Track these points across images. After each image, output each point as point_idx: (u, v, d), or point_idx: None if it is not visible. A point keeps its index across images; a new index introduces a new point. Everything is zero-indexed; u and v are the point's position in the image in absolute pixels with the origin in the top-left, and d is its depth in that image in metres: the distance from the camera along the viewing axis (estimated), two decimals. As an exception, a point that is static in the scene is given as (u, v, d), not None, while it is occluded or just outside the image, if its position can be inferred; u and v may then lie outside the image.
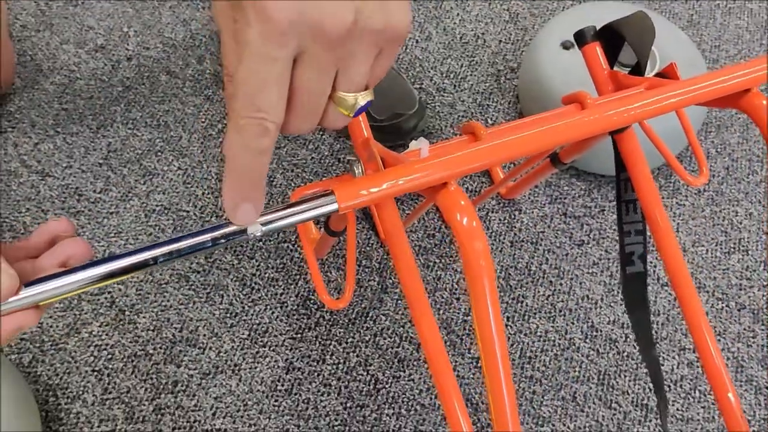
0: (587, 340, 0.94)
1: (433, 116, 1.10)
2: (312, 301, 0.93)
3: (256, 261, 0.95)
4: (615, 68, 0.64)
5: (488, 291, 0.44)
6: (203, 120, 1.07)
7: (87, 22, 1.15)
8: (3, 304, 0.33)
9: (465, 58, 1.18)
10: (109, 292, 0.91)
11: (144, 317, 0.90)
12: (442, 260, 0.98)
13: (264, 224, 0.38)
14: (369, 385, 0.88)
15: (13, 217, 0.95)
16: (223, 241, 0.37)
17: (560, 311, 0.96)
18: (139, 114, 1.06)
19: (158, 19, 1.17)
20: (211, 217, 0.98)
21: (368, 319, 0.93)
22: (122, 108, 1.07)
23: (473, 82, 1.16)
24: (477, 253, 0.43)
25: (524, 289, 0.97)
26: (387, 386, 0.88)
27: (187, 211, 0.98)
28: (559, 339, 0.94)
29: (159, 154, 1.03)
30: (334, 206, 0.39)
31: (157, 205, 0.98)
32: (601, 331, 0.95)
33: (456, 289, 0.96)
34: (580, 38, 0.63)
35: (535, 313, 0.96)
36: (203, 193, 1.00)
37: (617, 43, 0.63)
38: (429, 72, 1.16)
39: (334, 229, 0.76)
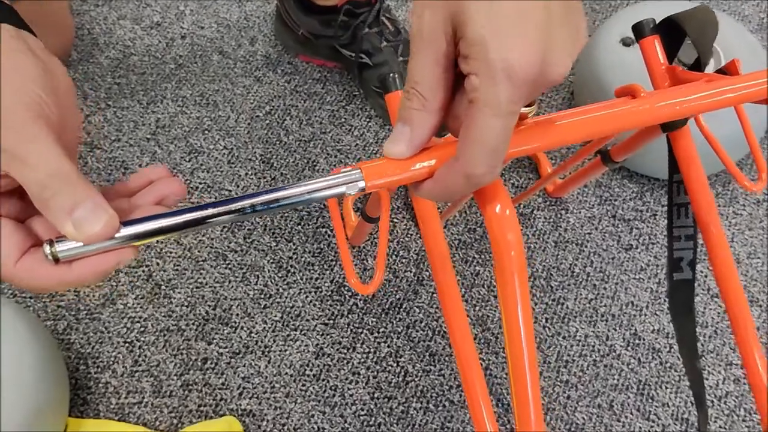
0: (629, 348, 0.91)
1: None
2: (346, 288, 0.92)
3: (294, 244, 0.94)
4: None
5: (518, 285, 0.41)
6: (252, 101, 1.07)
7: (144, -1, 1.16)
8: (105, 242, 0.33)
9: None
10: (147, 266, 0.92)
11: (179, 293, 0.90)
12: (481, 256, 0.95)
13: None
14: (398, 377, 0.87)
15: (60, 186, 0.97)
16: (318, 195, 0.37)
17: (602, 316, 0.93)
18: (189, 92, 1.07)
19: (214, -2, 1.17)
20: (252, 198, 0.98)
21: (402, 310, 0.91)
22: (173, 85, 1.07)
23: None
24: (508, 243, 0.41)
25: (566, 290, 0.94)
26: (416, 379, 0.87)
27: (230, 191, 0.98)
28: (599, 345, 0.91)
29: (206, 132, 1.03)
30: (362, 184, 0.38)
31: (200, 183, 0.99)
32: (644, 339, 0.91)
33: (494, 286, 0.93)
34: (639, 31, 0.60)
35: (575, 317, 0.92)
36: (246, 174, 1.00)
37: (678, 38, 0.60)
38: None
39: (371, 216, 0.75)
